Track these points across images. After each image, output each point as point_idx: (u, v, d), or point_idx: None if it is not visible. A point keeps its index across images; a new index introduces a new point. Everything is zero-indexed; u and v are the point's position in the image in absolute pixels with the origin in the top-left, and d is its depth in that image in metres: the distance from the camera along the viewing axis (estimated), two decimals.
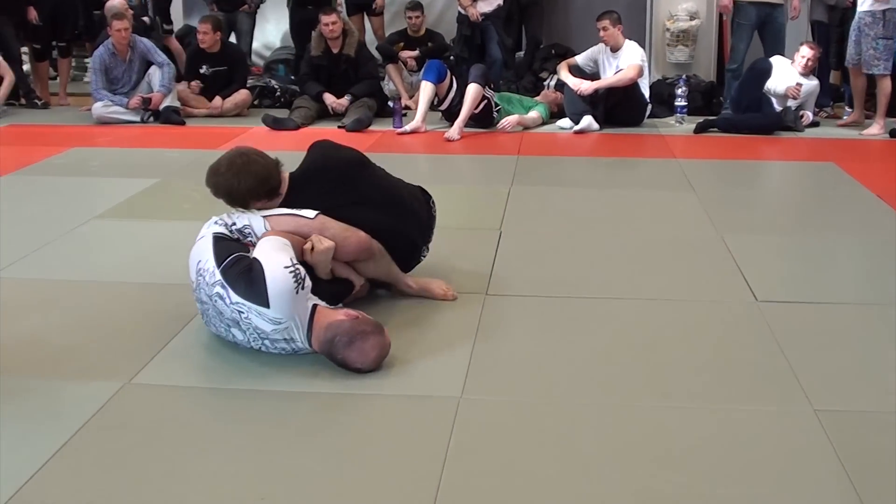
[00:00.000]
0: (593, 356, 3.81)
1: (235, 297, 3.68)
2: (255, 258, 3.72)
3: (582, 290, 4.55)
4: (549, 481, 2.91)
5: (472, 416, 3.32)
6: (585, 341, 3.97)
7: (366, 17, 11.13)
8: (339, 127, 8.94)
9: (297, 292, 3.63)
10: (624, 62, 8.72)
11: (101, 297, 4.54)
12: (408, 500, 2.82)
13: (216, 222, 3.97)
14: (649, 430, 3.22)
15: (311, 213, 4.02)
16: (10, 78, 9.98)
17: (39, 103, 10.50)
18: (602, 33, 8.84)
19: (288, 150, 4.54)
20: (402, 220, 4.38)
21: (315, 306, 3.70)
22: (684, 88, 9.11)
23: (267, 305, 3.62)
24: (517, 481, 2.91)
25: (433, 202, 4.61)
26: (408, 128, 8.72)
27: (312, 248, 3.93)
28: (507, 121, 8.80)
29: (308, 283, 3.70)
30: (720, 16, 10.21)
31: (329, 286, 3.97)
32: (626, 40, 8.86)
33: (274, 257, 3.69)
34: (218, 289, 3.73)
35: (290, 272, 3.63)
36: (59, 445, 3.14)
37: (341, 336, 3.60)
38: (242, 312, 3.69)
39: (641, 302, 4.40)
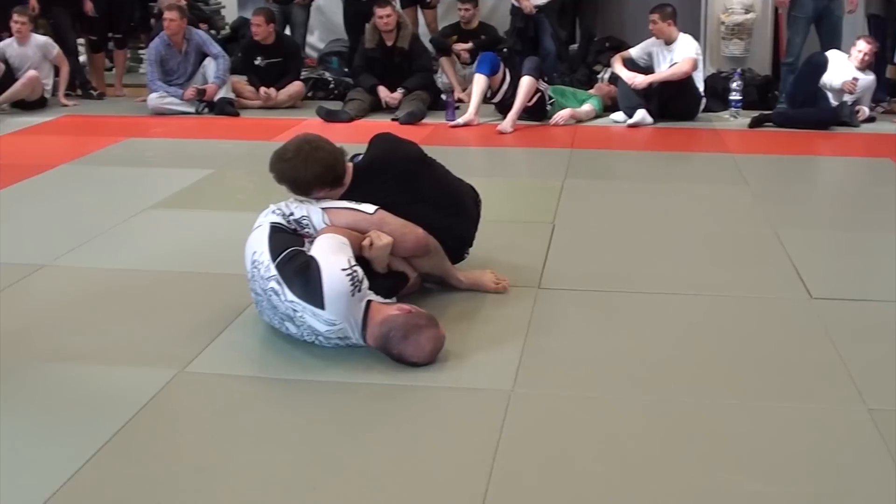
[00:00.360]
0: (645, 351, 3.80)
1: (290, 296, 3.69)
2: (312, 257, 3.72)
3: (634, 284, 4.53)
4: (599, 477, 2.90)
5: (523, 409, 3.32)
6: (637, 336, 3.96)
7: (419, 10, 11.12)
8: (392, 119, 8.94)
9: (353, 295, 3.63)
10: (678, 56, 8.66)
11: (156, 286, 4.58)
12: (459, 492, 2.83)
13: (274, 211, 3.97)
14: (700, 428, 3.20)
15: (370, 207, 4.01)
16: (66, 69, 10.08)
17: (95, 94, 10.60)
18: (651, 26, 8.80)
19: (341, 143, 4.53)
20: (457, 220, 4.40)
21: (369, 302, 3.70)
22: (739, 82, 9.03)
23: (322, 307, 3.63)
24: (567, 476, 2.91)
25: (480, 201, 4.61)
26: (461, 120, 8.71)
27: (371, 244, 3.93)
28: (560, 114, 8.76)
29: (365, 284, 3.70)
30: (776, 9, 10.10)
31: (385, 280, 3.97)
32: (681, 33, 8.79)
33: (332, 258, 3.68)
34: (273, 284, 3.74)
35: (347, 274, 3.63)
36: (114, 432, 3.17)
37: (396, 330, 3.60)
38: (297, 311, 3.70)
39: (694, 297, 4.37)
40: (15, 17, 9.62)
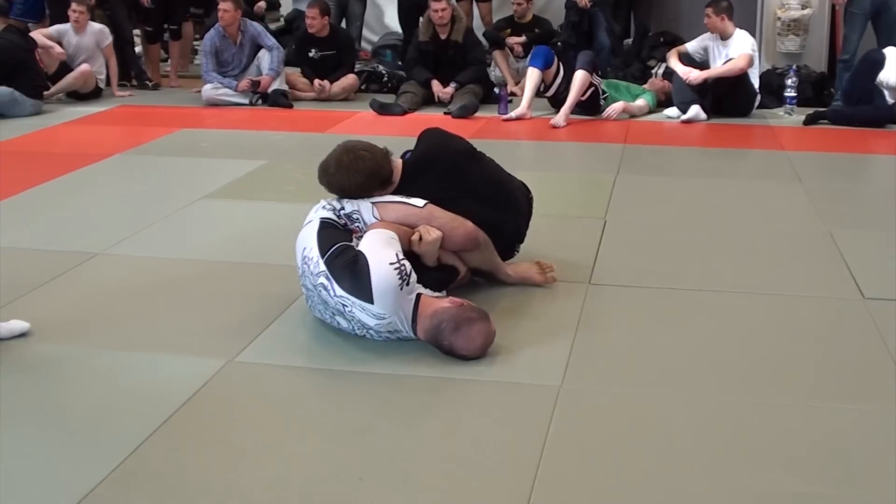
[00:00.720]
0: (695, 349, 3.78)
1: (339, 291, 3.71)
2: (360, 251, 3.73)
3: (686, 281, 4.50)
4: (647, 475, 2.89)
5: (571, 405, 3.31)
6: (688, 334, 3.94)
7: (474, 4, 11.11)
8: (444, 113, 8.95)
9: (401, 289, 3.64)
10: (734, 51, 8.59)
11: (208, 275, 4.62)
12: (505, 486, 2.83)
13: (324, 206, 4.00)
14: (749, 427, 3.18)
15: (419, 201, 4.02)
16: (114, 61, 10.17)
17: (150, 84, 10.69)
18: (706, 20, 8.74)
19: (394, 136, 4.57)
20: (507, 215, 4.39)
21: (419, 295, 3.71)
22: (794, 79, 8.95)
23: (371, 301, 3.64)
24: (615, 473, 2.90)
25: (532, 197, 4.60)
26: (513, 114, 8.70)
27: (420, 239, 3.93)
28: (613, 107, 8.73)
29: (413, 278, 3.70)
30: (833, 5, 10.00)
31: (435, 273, 3.98)
32: (737, 29, 8.73)
33: (380, 253, 3.69)
34: (322, 279, 3.76)
35: (395, 269, 3.64)
36: (163, 420, 3.20)
37: (447, 323, 3.61)
38: (346, 306, 3.72)
39: (746, 295, 4.34)
40: (73, 6, 9.72)
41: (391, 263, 3.64)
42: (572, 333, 3.90)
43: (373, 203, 4.01)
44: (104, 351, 3.78)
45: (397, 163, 4.23)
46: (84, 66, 9.79)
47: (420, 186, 4.12)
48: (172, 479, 2.88)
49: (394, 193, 4.13)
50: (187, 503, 2.76)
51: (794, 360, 3.69)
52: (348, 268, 3.69)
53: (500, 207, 4.35)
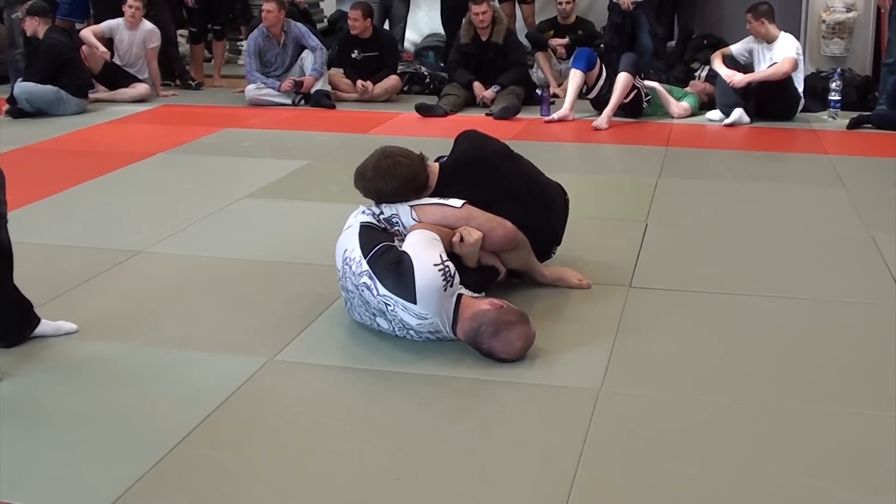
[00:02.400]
0: (736, 354, 3.76)
1: (383, 290, 3.71)
2: (404, 252, 3.73)
3: (727, 285, 4.48)
4: (686, 479, 2.88)
5: (610, 409, 3.31)
6: (728, 338, 3.92)
7: (517, 5, 11.10)
8: (486, 114, 8.95)
9: (444, 290, 3.64)
10: (778, 55, 8.53)
11: (249, 274, 4.64)
12: (544, 488, 2.82)
13: (364, 211, 4.02)
14: (790, 433, 3.16)
15: (457, 202, 4.02)
16: (155, 65, 10.25)
17: (193, 84, 10.74)
18: (747, 25, 8.68)
19: (436, 137, 4.58)
20: (543, 217, 4.40)
21: (460, 296, 3.71)
22: (839, 83, 8.86)
23: (414, 301, 3.65)
24: (653, 477, 2.89)
25: (568, 199, 4.60)
26: (555, 116, 8.68)
27: (462, 240, 3.93)
28: (681, 106, 8.73)
29: (457, 279, 3.70)
30: (878, 8, 9.92)
31: (475, 274, 3.97)
32: (782, 32, 8.67)
33: (424, 253, 3.70)
34: (365, 279, 3.76)
35: (440, 270, 3.64)
36: (203, 417, 3.23)
37: (487, 326, 3.60)
38: (389, 305, 3.72)
39: (787, 300, 4.32)
40: (130, 1, 9.80)
41: (435, 264, 3.65)
42: (612, 336, 3.89)
43: (411, 206, 4.01)
44: (145, 348, 3.81)
45: (433, 167, 4.24)
46: (144, 88, 9.92)
47: (458, 189, 4.11)
48: (211, 476, 2.90)
49: (432, 195, 4.13)
50: (225, 501, 2.78)
51: (836, 366, 3.66)
52: (392, 267, 3.70)
53: (537, 209, 4.35)
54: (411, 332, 3.75)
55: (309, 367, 3.69)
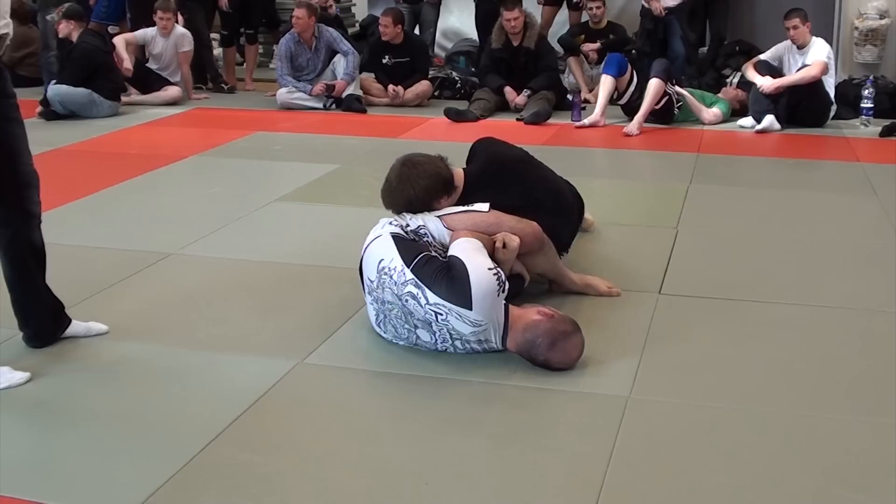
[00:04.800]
0: (765, 362, 3.74)
1: (434, 299, 3.63)
2: (453, 257, 3.69)
3: (758, 293, 4.46)
4: (715, 488, 2.86)
5: (639, 416, 3.30)
6: (758, 346, 3.90)
7: (566, 9, 11.00)
8: (517, 119, 8.96)
9: (498, 295, 3.62)
10: (810, 60, 8.48)
11: (279, 277, 4.65)
12: (571, 496, 2.82)
13: (391, 223, 3.94)
14: (820, 444, 3.14)
15: (483, 206, 4.00)
16: (187, 67, 10.31)
17: (226, 88, 10.79)
18: (791, 32, 8.60)
19: (466, 142, 4.56)
20: (564, 220, 4.46)
21: (507, 306, 3.68)
22: (871, 90, 8.81)
23: (469, 307, 3.58)
24: (681, 485, 2.88)
25: (583, 202, 4.61)
26: (586, 121, 8.67)
27: (504, 246, 3.90)
28: (713, 113, 8.71)
29: (507, 286, 3.68)
30: None
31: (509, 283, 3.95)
32: (814, 37, 8.62)
33: (477, 258, 3.67)
34: (410, 287, 3.67)
35: (494, 274, 3.61)
36: (232, 419, 3.24)
37: (543, 338, 3.58)
38: (440, 314, 3.64)
39: (818, 309, 4.29)
40: (160, 13, 9.91)
41: (490, 269, 3.62)
42: (642, 343, 3.88)
43: (437, 216, 3.99)
44: (176, 350, 3.83)
45: (457, 170, 4.24)
46: (175, 90, 10.00)
47: (485, 196, 4.08)
48: (239, 478, 2.91)
49: (458, 203, 4.13)
50: (253, 502, 2.78)
51: (868, 375, 3.63)
52: (443, 273, 3.63)
53: (558, 212, 4.40)
54: (457, 342, 3.69)
55: (338, 370, 3.69)
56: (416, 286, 3.65)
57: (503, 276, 3.66)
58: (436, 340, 3.73)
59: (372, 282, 3.84)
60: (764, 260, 4.96)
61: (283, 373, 3.59)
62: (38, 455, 3.04)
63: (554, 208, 4.38)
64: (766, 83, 8.45)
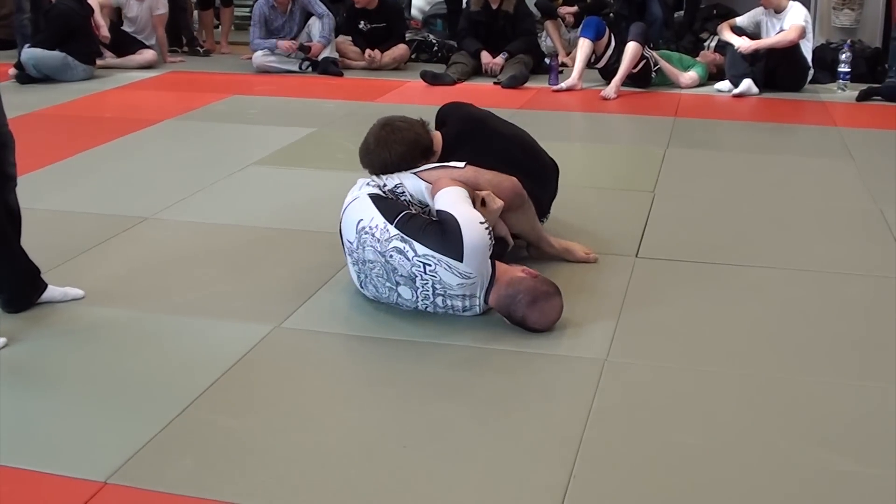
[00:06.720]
0: (741, 325, 3.76)
1: (423, 250, 3.61)
2: (442, 212, 3.66)
3: (734, 256, 4.47)
4: (690, 450, 2.88)
5: (616, 379, 3.31)
6: (734, 310, 3.92)
7: None
8: (494, 83, 8.94)
9: (489, 248, 3.61)
10: (787, 24, 8.48)
11: (256, 241, 4.64)
12: (548, 457, 2.83)
13: (368, 184, 3.92)
14: (795, 405, 3.16)
15: (459, 164, 3.98)
16: (161, 31, 10.25)
17: (202, 51, 10.73)
18: None
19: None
20: (542, 185, 4.44)
21: (494, 262, 3.68)
22: (848, 54, 8.82)
23: (461, 259, 3.57)
24: (657, 447, 2.89)
25: (558, 168, 4.63)
26: (564, 85, 8.67)
27: (483, 203, 3.86)
28: (689, 76, 8.71)
29: (493, 242, 3.68)
30: None
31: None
32: (791, 1, 8.61)
33: (469, 211, 3.65)
34: (396, 243, 3.65)
35: (486, 228, 3.60)
36: (209, 384, 3.24)
37: (524, 295, 3.59)
38: (429, 265, 3.62)
39: (794, 272, 4.31)
40: None
41: (482, 223, 3.61)
42: (618, 306, 3.89)
43: (414, 173, 3.96)
44: (152, 314, 3.82)
45: (436, 133, 4.23)
46: (150, 55, 9.95)
47: (463, 156, 4.07)
48: (217, 442, 2.91)
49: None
50: (231, 465, 2.78)
51: (843, 337, 3.66)
52: (433, 226, 3.64)
53: (537, 174, 4.40)
54: (439, 298, 3.69)
55: (315, 334, 3.69)
56: (403, 241, 3.64)
57: (492, 231, 3.67)
58: (417, 298, 3.72)
59: (351, 243, 3.84)
60: (741, 223, 4.98)
61: (261, 337, 3.59)
62: (15, 420, 3.02)
63: (532, 168, 4.37)
64: (743, 44, 8.45)
